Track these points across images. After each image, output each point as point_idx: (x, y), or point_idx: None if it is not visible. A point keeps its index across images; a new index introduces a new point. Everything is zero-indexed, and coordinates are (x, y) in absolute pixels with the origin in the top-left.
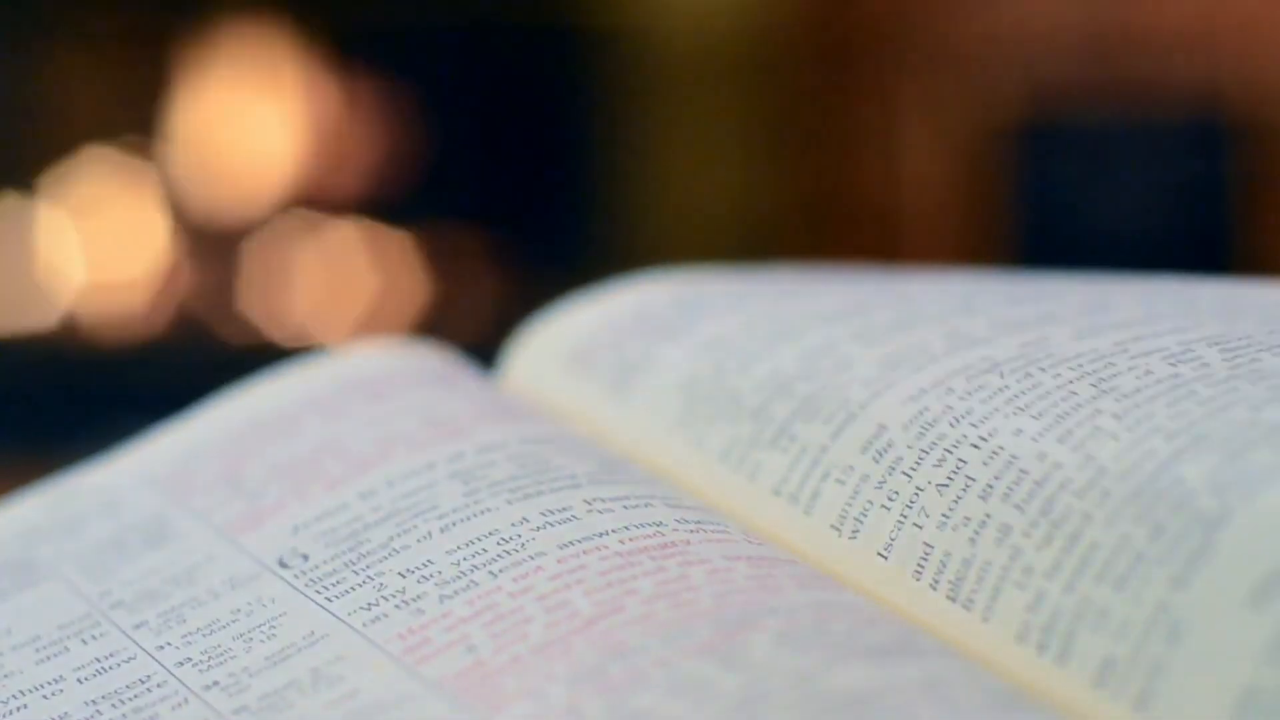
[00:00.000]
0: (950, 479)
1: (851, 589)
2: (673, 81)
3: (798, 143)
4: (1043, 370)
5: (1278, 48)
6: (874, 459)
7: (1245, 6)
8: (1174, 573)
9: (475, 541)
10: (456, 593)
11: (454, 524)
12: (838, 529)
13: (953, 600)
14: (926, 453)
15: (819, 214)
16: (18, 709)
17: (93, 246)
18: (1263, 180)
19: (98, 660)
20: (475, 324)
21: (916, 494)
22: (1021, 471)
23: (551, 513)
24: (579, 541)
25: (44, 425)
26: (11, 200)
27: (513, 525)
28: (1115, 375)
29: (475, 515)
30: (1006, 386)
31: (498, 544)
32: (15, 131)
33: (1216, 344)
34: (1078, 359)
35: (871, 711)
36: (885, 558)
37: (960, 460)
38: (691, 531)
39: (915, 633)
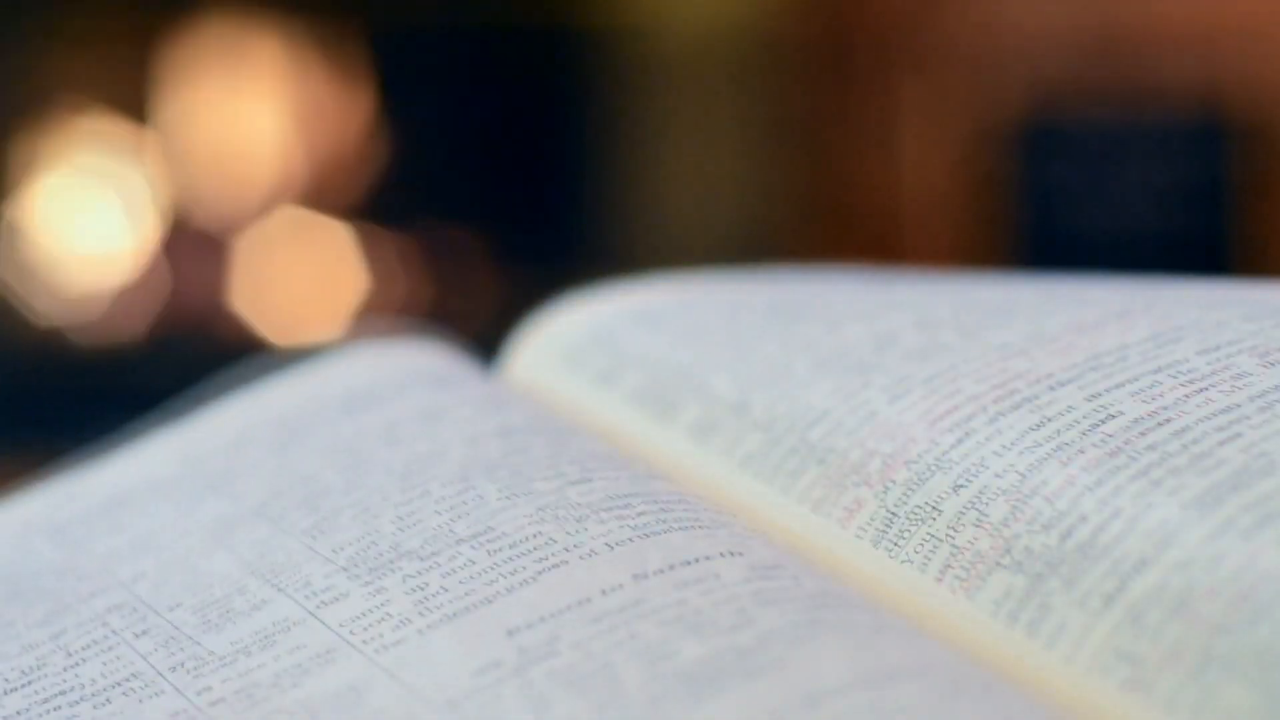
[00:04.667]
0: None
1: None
2: (672, 81)
3: (798, 143)
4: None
5: (1278, 48)
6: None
7: (1245, 6)
8: None
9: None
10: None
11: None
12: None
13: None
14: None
15: (819, 214)
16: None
17: (86, 245)
18: (1263, 180)
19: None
20: (473, 325)
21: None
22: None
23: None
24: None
25: (37, 426)
26: (2, 199)
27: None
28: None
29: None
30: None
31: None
32: (4, 129)
33: None
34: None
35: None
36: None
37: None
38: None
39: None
